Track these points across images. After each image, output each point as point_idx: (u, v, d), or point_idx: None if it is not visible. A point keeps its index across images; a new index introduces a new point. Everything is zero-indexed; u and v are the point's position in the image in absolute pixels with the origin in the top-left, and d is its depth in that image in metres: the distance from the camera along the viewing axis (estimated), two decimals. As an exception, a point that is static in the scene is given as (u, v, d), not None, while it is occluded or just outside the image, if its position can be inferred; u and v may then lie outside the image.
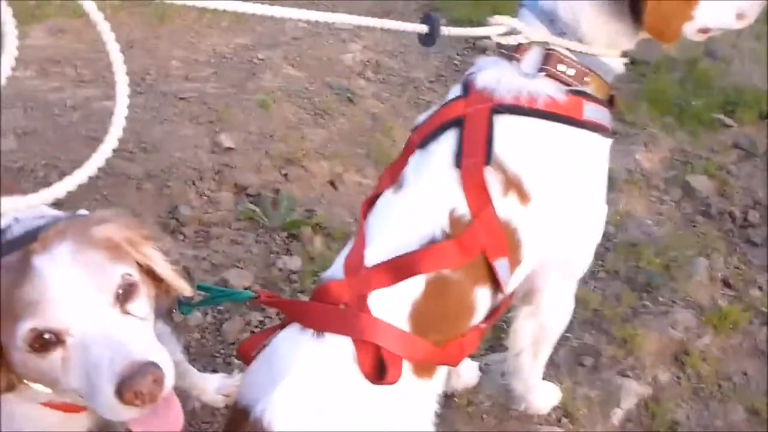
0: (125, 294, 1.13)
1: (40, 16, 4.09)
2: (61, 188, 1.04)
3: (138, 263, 1.22)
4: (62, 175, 2.80)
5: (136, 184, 2.80)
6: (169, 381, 1.09)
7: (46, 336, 1.07)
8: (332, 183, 3.02)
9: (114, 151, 3.12)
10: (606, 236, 2.70)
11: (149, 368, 1.04)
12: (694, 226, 2.81)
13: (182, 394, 2.10)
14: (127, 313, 1.13)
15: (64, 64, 3.70)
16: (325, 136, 3.30)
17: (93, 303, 1.09)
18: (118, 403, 1.04)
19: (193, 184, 2.86)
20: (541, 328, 1.69)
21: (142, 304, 1.16)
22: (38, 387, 1.19)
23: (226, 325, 2.32)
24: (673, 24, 1.41)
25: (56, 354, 1.08)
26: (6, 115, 3.21)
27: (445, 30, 1.32)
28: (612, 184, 2.94)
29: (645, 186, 3.00)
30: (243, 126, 3.27)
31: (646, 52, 3.88)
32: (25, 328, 1.06)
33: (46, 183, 2.27)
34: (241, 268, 2.52)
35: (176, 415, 1.14)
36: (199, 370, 2.11)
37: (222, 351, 2.28)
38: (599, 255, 2.62)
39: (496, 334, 2.29)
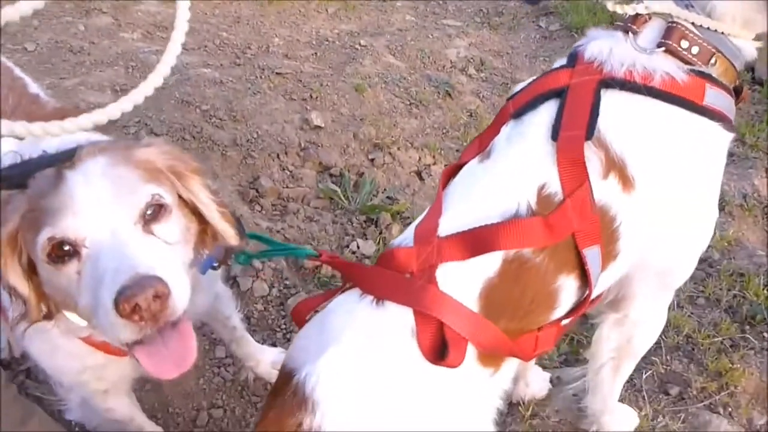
0: (153, 215, 1.09)
1: (155, -15, 4.21)
2: (115, 109, 1.02)
3: (180, 196, 1.17)
4: (151, 132, 2.88)
5: (222, 150, 2.81)
6: (179, 302, 1.02)
7: (65, 247, 1.04)
8: (419, 174, 2.94)
9: (205, 115, 3.13)
10: (709, 261, 2.51)
11: (151, 281, 0.98)
12: (814, 263, 2.55)
13: (237, 362, 2.07)
14: (150, 233, 1.08)
15: (170, 30, 3.78)
16: (417, 126, 3.23)
17: (114, 216, 1.05)
18: (117, 317, 0.97)
19: (277, 157, 2.84)
20: (627, 340, 1.53)
21: (172, 229, 1.12)
22: (73, 317, 1.16)
23: (291, 300, 2.27)
24: None
25: (72, 266, 1.05)
26: (108, 73, 3.31)
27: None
28: (723, 206, 2.76)
29: (760, 213, 2.75)
30: (335, 107, 3.23)
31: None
32: (44, 237, 1.03)
33: (136, 139, 2.30)
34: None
35: (186, 347, 1.06)
36: (257, 341, 2.06)
37: (284, 326, 2.23)
38: (699, 279, 2.42)
39: (573, 348, 2.13)
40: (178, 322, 1.06)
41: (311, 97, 3.27)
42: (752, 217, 2.72)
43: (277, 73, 3.44)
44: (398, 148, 3.02)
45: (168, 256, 1.09)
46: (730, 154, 3.10)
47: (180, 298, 1.03)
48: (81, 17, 3.88)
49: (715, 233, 2.64)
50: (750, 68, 3.67)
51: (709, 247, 2.56)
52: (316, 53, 3.81)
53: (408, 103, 3.41)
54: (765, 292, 2.31)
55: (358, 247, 2.49)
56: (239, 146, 2.86)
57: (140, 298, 0.97)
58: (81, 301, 1.05)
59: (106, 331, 1.02)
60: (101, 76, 3.27)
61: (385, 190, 2.79)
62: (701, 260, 2.52)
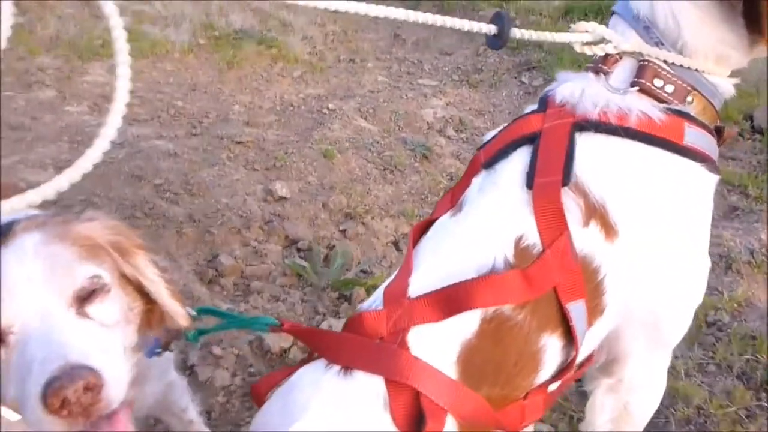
0: (89, 295, 1.10)
1: (103, 54, 4.34)
2: (50, 188, 1.06)
3: (125, 274, 1.20)
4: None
5: (177, 227, 2.85)
6: (114, 393, 1.02)
7: None
8: (395, 244, 2.99)
9: (158, 190, 3.20)
10: (718, 325, 2.56)
11: (82, 371, 0.97)
12: (831, 322, 2.61)
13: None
14: (86, 316, 1.09)
15: (119, 102, 3.88)
16: (392, 193, 3.30)
17: (45, 299, 1.06)
18: (44, 413, 0.96)
19: (239, 232, 2.88)
20: (624, 407, 1.55)
21: (111, 310, 1.12)
22: (5, 411, 1.16)
23: (257, 388, 2.26)
24: None
25: None
26: (50, 149, 3.37)
27: (517, 32, 1.29)
28: (730, 264, 2.83)
29: (771, 271, 2.82)
30: (302, 176, 3.31)
31: (775, 119, 3.76)
32: None
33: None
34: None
35: None
36: (220, 437, 2.05)
37: (249, 419, 2.22)
38: (709, 345, 2.46)
39: (573, 426, 2.14)
40: (113, 414, 1.05)
41: (275, 166, 3.35)
42: (762, 274, 2.79)
43: (237, 142, 3.53)
44: (372, 217, 3.08)
45: (105, 340, 1.09)
46: (734, 209, 3.22)
47: (116, 388, 1.03)
48: (22, 91, 3.98)
49: (723, 294, 2.72)
50: (749, 116, 3.83)
51: (717, 309, 2.66)
52: (280, 119, 3.92)
53: (382, 168, 3.49)
54: (781, 354, 2.35)
55: (331, 327, 2.51)
56: (196, 222, 2.91)
57: (69, 391, 0.96)
58: (8, 393, 1.05)
59: (34, 426, 1.01)
60: (43, 153, 3.34)
61: (359, 263, 2.83)
62: (710, 324, 2.60)
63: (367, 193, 3.25)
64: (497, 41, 1.28)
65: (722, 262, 2.82)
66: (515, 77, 4.81)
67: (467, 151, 3.75)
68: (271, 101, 4.18)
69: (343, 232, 2.99)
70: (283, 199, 3.11)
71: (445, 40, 5.48)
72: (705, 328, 2.53)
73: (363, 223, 3.04)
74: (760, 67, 4.28)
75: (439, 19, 1.21)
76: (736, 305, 2.64)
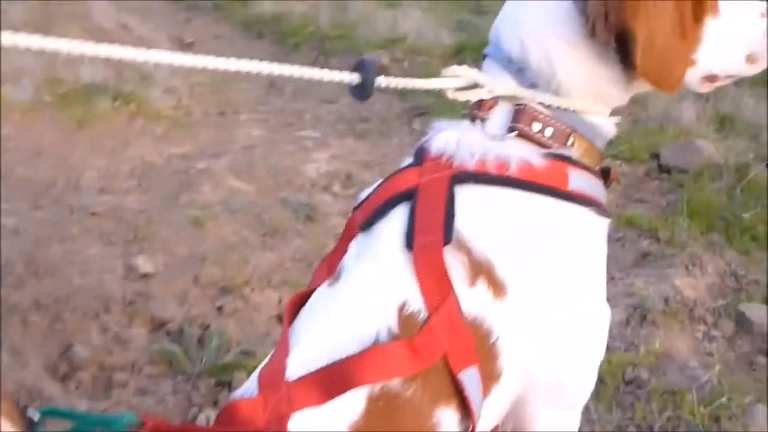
0: None
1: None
2: None
3: None
4: None
5: (22, 316, 2.78)
6: None
7: None
8: (280, 318, 3.01)
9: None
10: (636, 382, 2.68)
11: None
12: (753, 369, 2.78)
13: None
14: None
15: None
16: (274, 261, 3.32)
17: None
18: None
19: (96, 317, 2.84)
20: (535, 483, 1.61)
21: None
22: None
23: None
24: (673, 69, 1.46)
25: None
26: None
27: (383, 80, 1.36)
28: (644, 315, 2.98)
29: (687, 319, 2.99)
30: (168, 247, 3.30)
31: (683, 157, 4.02)
32: None
33: None
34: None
35: None
36: None
37: None
38: (628, 405, 2.57)
39: None
40: None
41: (136, 237, 3.32)
42: (678, 323, 2.95)
43: (91, 213, 3.49)
44: (252, 290, 3.09)
45: None
46: (645, 255, 3.41)
47: None
48: None
49: (639, 348, 2.86)
50: (655, 155, 4.08)
51: (634, 365, 2.79)
52: (140, 184, 3.90)
53: (260, 233, 3.52)
54: (702, 409, 2.48)
55: (209, 420, 2.48)
56: (45, 308, 2.84)
57: None
58: None
59: None
60: None
61: (238, 343, 2.83)
62: (628, 383, 2.73)
63: (245, 262, 3.26)
64: (362, 92, 1.34)
65: (636, 313, 2.96)
66: (406, 124, 4.97)
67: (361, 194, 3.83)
68: (129, 164, 4.16)
69: (219, 308, 2.99)
70: (147, 275, 3.09)
71: (327, 87, 5.58)
72: (623, 387, 2.64)
73: (241, 297, 3.04)
74: (665, 102, 4.59)
75: (291, 70, 1.26)
76: (653, 359, 2.77)
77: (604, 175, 1.55)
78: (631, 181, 3.94)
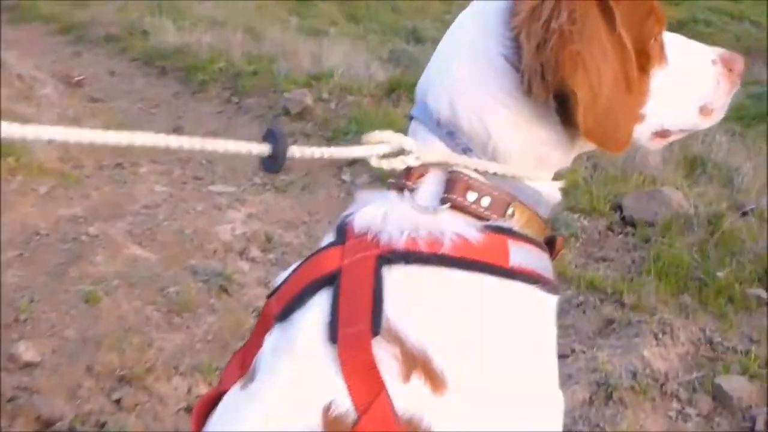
0: None
1: None
2: None
3: None
4: None
5: None
6: None
7: None
8: (191, 409, 2.99)
9: None
10: (604, 471, 2.74)
11: None
12: (735, 451, 2.86)
13: None
14: None
15: None
16: (182, 342, 3.32)
17: None
18: None
19: (-30, 418, 2.80)
20: None
21: None
22: None
23: None
24: (620, 126, 1.52)
25: None
26: None
27: (296, 150, 1.40)
28: (611, 393, 3.04)
29: (659, 396, 3.05)
30: (55, 331, 3.27)
31: (649, 208, 4.14)
32: None
33: None
34: None
35: None
36: None
37: None
38: (594, 500, 2.61)
39: None
40: None
41: (17, 320, 3.29)
42: (649, 401, 3.01)
43: (-39, 293, 3.45)
44: (156, 379, 3.07)
45: None
46: (608, 322, 3.49)
47: None
48: None
49: (605, 431, 2.92)
50: (617, 206, 4.20)
51: None
52: (21, 255, 3.86)
53: (166, 310, 3.51)
54: (677, 499, 2.55)
55: None
56: None
57: None
58: None
59: None
60: None
61: (142, 442, 2.81)
62: (594, 472, 2.77)
63: (148, 345, 3.25)
64: (273, 164, 1.38)
65: (601, 391, 3.02)
66: (334, 175, 5.02)
67: (277, 275, 3.84)
68: (7, 231, 4.11)
69: (117, 402, 2.96)
70: (30, 365, 3.05)
71: (243, 131, 5.65)
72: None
73: (144, 388, 3.02)
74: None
75: (191, 142, 1.29)
76: (623, 443, 2.83)
77: (550, 246, 1.61)
78: (592, 237, 4.05)
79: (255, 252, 4.05)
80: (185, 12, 8.99)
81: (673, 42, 1.56)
